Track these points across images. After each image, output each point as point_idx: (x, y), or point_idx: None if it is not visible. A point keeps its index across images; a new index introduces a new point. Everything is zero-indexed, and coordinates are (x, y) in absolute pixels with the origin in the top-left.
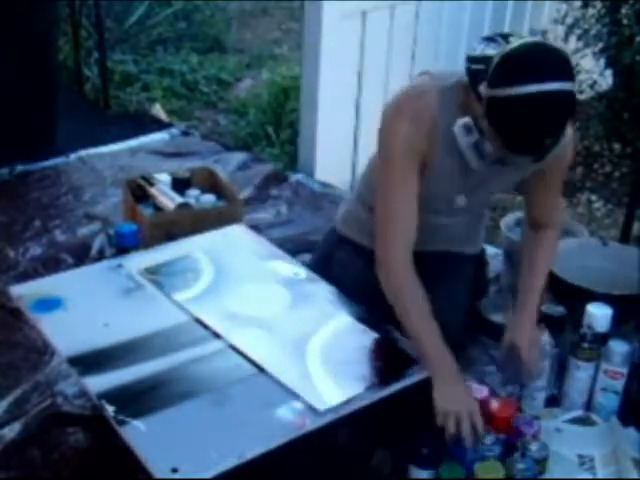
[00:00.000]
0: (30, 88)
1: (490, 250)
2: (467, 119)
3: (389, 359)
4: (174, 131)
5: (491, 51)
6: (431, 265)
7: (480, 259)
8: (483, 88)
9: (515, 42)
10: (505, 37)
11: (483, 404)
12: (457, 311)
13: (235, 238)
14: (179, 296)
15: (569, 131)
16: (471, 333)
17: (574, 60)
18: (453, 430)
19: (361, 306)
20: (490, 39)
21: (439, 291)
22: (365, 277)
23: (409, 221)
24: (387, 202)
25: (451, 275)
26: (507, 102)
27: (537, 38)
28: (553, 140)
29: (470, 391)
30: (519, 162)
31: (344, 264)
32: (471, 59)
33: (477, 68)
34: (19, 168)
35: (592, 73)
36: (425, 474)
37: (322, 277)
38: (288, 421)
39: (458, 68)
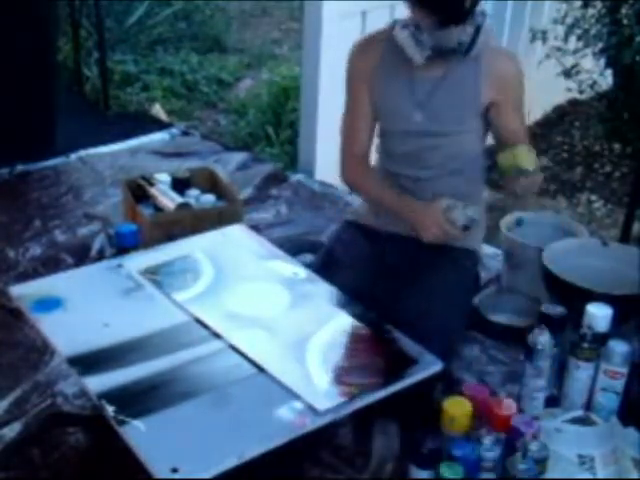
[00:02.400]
0: (30, 88)
1: (490, 250)
2: (403, 20)
3: (389, 359)
4: (174, 131)
5: None
6: (427, 260)
7: (477, 258)
8: None
9: None
10: None
11: (483, 404)
12: (456, 309)
13: (235, 238)
14: (179, 296)
15: (511, 62)
16: (471, 333)
17: (574, 60)
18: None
19: (361, 306)
20: None
21: (437, 289)
22: (366, 257)
23: (361, 133)
24: (344, 121)
25: (449, 272)
26: None
27: None
28: (470, 2)
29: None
30: (449, 44)
31: (346, 244)
32: None
33: None
34: (19, 168)
35: (592, 73)
36: (425, 474)
37: (326, 262)
38: (288, 421)
39: None
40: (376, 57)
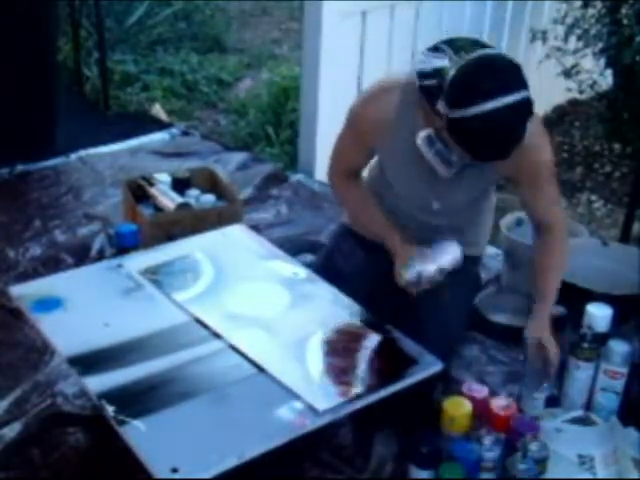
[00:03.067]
0: (30, 88)
1: (490, 250)
2: (428, 131)
3: (389, 359)
4: (174, 131)
5: (439, 62)
6: None
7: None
8: (441, 107)
9: (463, 57)
10: (449, 43)
11: (483, 404)
12: (458, 312)
13: (235, 238)
14: (179, 296)
15: (534, 138)
16: (471, 333)
17: (574, 60)
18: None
19: (361, 306)
20: (436, 49)
21: (439, 291)
22: (366, 268)
23: (349, 158)
24: (337, 144)
25: (454, 277)
26: (468, 122)
27: (487, 51)
28: (518, 144)
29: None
30: (483, 165)
31: (346, 254)
32: (422, 75)
33: (430, 84)
34: (19, 168)
35: (592, 73)
36: (425, 474)
37: (326, 269)
38: (288, 421)
39: None
40: (389, 116)
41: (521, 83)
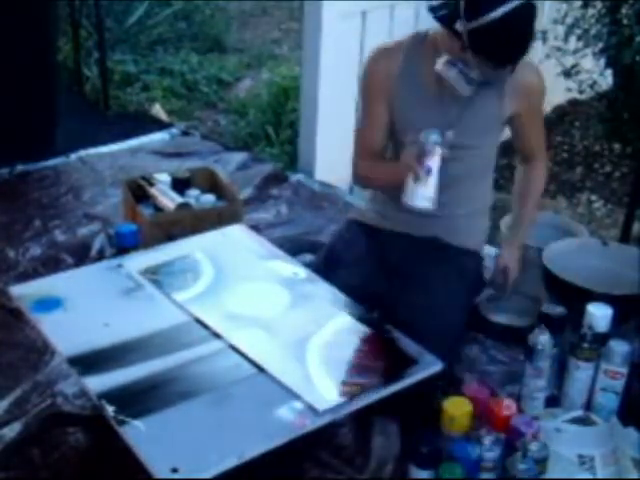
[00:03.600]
0: (30, 88)
1: (490, 250)
2: (446, 56)
3: (389, 359)
4: (174, 131)
5: None
6: (429, 258)
7: (479, 258)
8: (460, 25)
9: None
10: None
11: (483, 404)
12: (457, 309)
13: (235, 238)
14: (179, 296)
15: (537, 73)
16: (471, 333)
17: (574, 60)
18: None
19: (361, 306)
20: None
21: (439, 289)
22: (367, 255)
23: (376, 145)
24: (359, 132)
25: (450, 272)
26: (487, 27)
27: None
28: (530, 44)
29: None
30: (502, 77)
31: (348, 242)
32: (433, 9)
33: (443, 13)
34: (19, 168)
35: (592, 73)
36: (425, 474)
37: (328, 260)
38: (288, 421)
39: None
40: (395, 69)
41: None
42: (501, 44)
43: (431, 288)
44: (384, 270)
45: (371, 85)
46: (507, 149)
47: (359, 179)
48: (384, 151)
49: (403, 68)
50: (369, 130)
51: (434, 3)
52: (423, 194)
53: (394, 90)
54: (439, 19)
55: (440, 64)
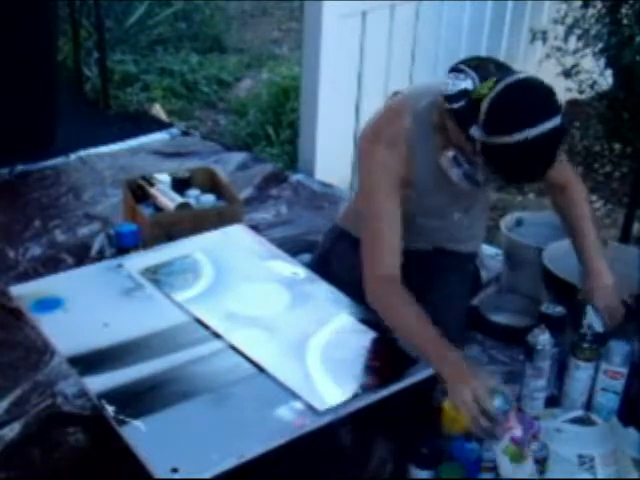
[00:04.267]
0: (30, 88)
1: (490, 250)
2: (453, 152)
3: (389, 359)
4: (174, 131)
5: (464, 84)
6: (429, 265)
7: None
8: (476, 132)
9: (495, 81)
10: (468, 65)
11: None
12: (457, 311)
13: (235, 238)
14: (179, 296)
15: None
16: (471, 333)
17: (574, 60)
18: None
19: (361, 306)
20: (457, 70)
21: (438, 291)
22: (360, 270)
23: (393, 244)
24: (372, 228)
25: (451, 275)
26: (506, 149)
27: (520, 76)
28: (552, 166)
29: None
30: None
31: (342, 257)
32: (449, 98)
33: (459, 106)
34: (19, 168)
35: (592, 73)
36: (425, 474)
37: (321, 271)
38: (288, 421)
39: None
40: (405, 156)
41: (558, 107)
42: (519, 167)
43: (429, 289)
44: None
45: (382, 176)
46: None
47: (375, 302)
48: (400, 249)
49: (416, 142)
50: (383, 234)
51: (452, 90)
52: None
53: (409, 165)
54: (454, 113)
55: (445, 160)
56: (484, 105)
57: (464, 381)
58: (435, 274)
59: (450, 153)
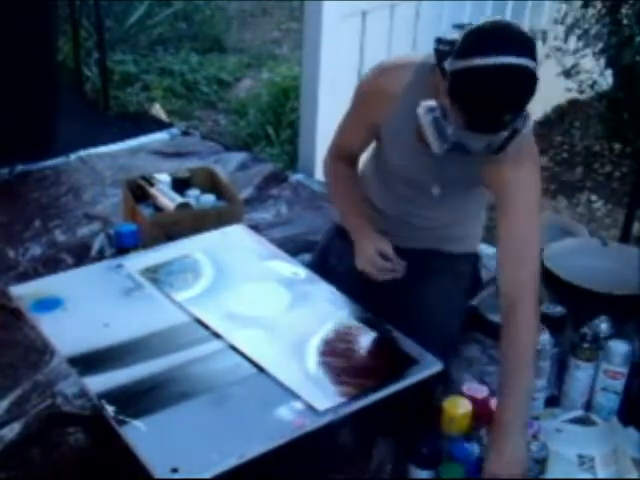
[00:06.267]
0: (30, 88)
1: (490, 250)
2: (432, 102)
3: (389, 359)
4: (174, 131)
5: (457, 35)
6: (424, 266)
7: (475, 258)
8: (448, 63)
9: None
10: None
11: (483, 404)
12: (453, 312)
13: (235, 238)
14: (179, 296)
15: (521, 154)
16: (471, 333)
17: (574, 60)
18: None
19: (361, 306)
20: (461, 26)
21: (433, 292)
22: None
23: (351, 142)
24: (340, 126)
25: (445, 276)
26: (468, 73)
27: (506, 20)
28: (510, 117)
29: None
30: (475, 146)
31: (339, 254)
32: (439, 40)
33: (443, 49)
34: (19, 168)
35: (592, 73)
36: (425, 474)
37: (319, 269)
38: (288, 421)
39: None
40: (399, 91)
41: (531, 53)
42: (477, 97)
43: (423, 299)
44: (375, 284)
45: (364, 99)
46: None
47: (324, 171)
48: (358, 154)
49: (404, 95)
50: (349, 135)
51: (444, 36)
52: None
53: (387, 115)
54: (435, 51)
55: (422, 108)
56: (460, 37)
57: (368, 238)
58: (427, 274)
59: (429, 102)
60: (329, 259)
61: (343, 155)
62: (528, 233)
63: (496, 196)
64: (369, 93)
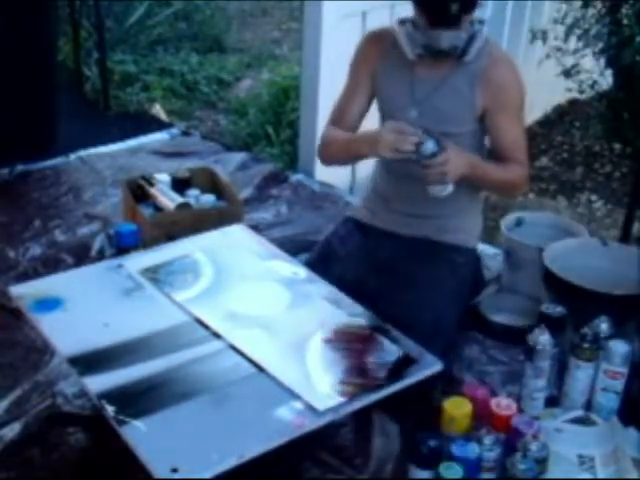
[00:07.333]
0: (30, 88)
1: (490, 250)
2: (405, 18)
3: (389, 359)
4: (174, 131)
5: None
6: (422, 251)
7: (475, 256)
8: None
9: None
10: None
11: (483, 404)
12: (449, 304)
13: (235, 238)
14: (179, 296)
15: (508, 70)
16: (471, 333)
17: (574, 60)
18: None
19: (361, 306)
20: None
21: (427, 272)
22: (360, 250)
23: (349, 116)
24: (337, 103)
25: (439, 261)
26: None
27: None
28: (457, 7)
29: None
30: (441, 45)
31: (343, 238)
32: None
33: None
34: (19, 168)
35: (592, 73)
36: (425, 474)
37: (323, 253)
38: (288, 421)
39: None
40: (383, 51)
41: None
42: None
43: (420, 283)
44: (376, 265)
45: (358, 62)
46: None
47: (321, 144)
48: (356, 126)
49: (389, 51)
50: (345, 102)
51: None
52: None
53: (377, 71)
54: None
55: (396, 21)
56: None
57: (378, 130)
58: (423, 259)
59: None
60: (332, 243)
61: (341, 127)
62: (516, 137)
63: (487, 104)
64: (365, 55)
